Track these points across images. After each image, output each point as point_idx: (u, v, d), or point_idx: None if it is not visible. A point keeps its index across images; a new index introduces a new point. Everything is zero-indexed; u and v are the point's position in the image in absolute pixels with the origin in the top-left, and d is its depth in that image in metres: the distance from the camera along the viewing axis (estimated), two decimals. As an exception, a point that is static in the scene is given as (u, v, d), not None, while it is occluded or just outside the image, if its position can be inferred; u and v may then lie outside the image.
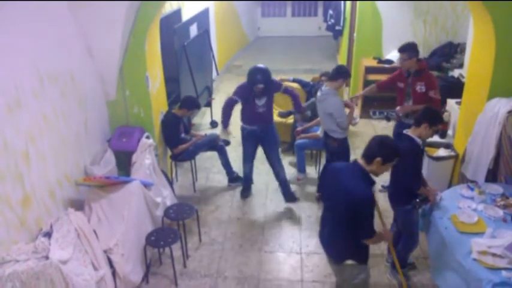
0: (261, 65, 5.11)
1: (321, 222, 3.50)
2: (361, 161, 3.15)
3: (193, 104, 5.59)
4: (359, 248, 3.30)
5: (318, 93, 4.98)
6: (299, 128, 5.96)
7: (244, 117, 5.33)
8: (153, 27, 5.04)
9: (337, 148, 5.03)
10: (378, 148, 3.10)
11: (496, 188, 4.07)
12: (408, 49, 4.89)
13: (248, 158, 5.57)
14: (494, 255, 3.23)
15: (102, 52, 4.74)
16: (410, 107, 4.98)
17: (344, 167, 3.25)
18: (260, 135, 5.33)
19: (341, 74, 4.79)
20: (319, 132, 5.69)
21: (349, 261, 3.42)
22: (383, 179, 6.01)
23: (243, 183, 5.81)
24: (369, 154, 3.11)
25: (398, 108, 5.15)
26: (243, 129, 5.40)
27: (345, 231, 3.15)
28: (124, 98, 5.16)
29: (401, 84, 5.09)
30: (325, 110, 4.85)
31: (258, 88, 5.01)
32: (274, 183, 5.92)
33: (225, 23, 10.36)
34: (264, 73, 5.02)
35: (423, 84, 4.88)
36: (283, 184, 5.49)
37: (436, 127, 3.80)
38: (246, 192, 5.78)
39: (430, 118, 3.80)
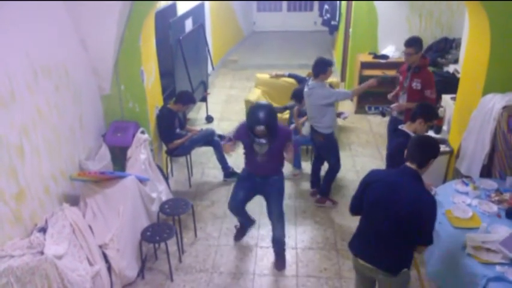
0: (264, 102, 4.25)
1: (364, 236, 3.17)
2: (412, 165, 2.96)
3: (188, 99, 5.58)
4: (412, 255, 3.10)
5: (305, 89, 4.99)
6: (292, 126, 5.99)
7: (245, 161, 4.35)
8: (148, 21, 5.01)
9: (324, 143, 5.07)
10: (429, 150, 2.97)
11: (491, 184, 4.10)
12: (415, 43, 4.87)
13: (235, 203, 4.47)
14: (488, 250, 3.25)
15: (97, 46, 4.71)
16: (405, 105, 4.98)
17: (396, 174, 3.03)
18: (259, 185, 4.33)
19: (326, 64, 4.82)
20: (303, 131, 5.71)
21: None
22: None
23: (243, 224, 4.85)
24: (422, 157, 2.95)
25: (393, 106, 5.18)
26: (243, 170, 4.49)
27: (405, 242, 2.97)
28: (119, 93, 5.13)
29: (401, 77, 5.15)
30: (314, 102, 4.86)
31: (258, 131, 3.88)
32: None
33: (220, 18, 10.32)
34: (268, 113, 3.89)
35: (419, 81, 4.88)
36: (277, 245, 4.46)
37: (431, 122, 3.84)
38: (239, 235, 4.88)
39: (425, 113, 3.83)
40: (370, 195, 3.03)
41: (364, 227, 3.16)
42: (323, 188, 5.35)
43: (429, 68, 5.19)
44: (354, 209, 3.23)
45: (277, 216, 4.34)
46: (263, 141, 3.96)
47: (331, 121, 4.97)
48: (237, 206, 4.49)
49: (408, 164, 2.97)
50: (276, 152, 4.08)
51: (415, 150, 2.96)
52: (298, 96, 5.85)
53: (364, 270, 3.19)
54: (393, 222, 2.91)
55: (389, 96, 5.35)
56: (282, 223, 4.39)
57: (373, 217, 3.05)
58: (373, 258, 3.09)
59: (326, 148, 5.14)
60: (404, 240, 2.95)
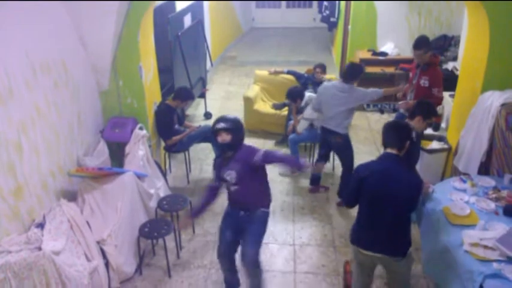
0: (230, 115, 3.78)
1: (370, 228, 3.26)
2: (393, 151, 3.19)
3: (187, 95, 5.57)
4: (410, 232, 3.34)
5: (334, 91, 4.90)
6: (291, 126, 5.98)
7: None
8: (147, 17, 5.00)
9: (341, 143, 5.06)
10: (404, 133, 3.22)
11: (488, 181, 4.10)
12: (424, 45, 4.88)
13: (223, 247, 3.87)
14: (485, 247, 3.25)
15: (95, 42, 4.69)
16: (412, 103, 4.96)
17: (383, 162, 3.23)
18: (242, 221, 3.77)
19: (361, 71, 4.92)
20: (298, 129, 5.70)
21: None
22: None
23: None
24: (401, 141, 3.20)
25: (400, 103, 5.21)
26: (226, 206, 4.00)
27: (406, 222, 3.24)
28: (117, 89, 5.12)
29: (411, 74, 5.18)
30: (346, 105, 4.84)
31: (219, 131, 3.59)
32: (268, 175, 5.93)
33: (219, 14, 10.30)
34: (235, 120, 3.68)
35: (427, 79, 4.90)
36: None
37: (429, 120, 3.84)
38: None
39: (424, 111, 3.84)
40: (369, 188, 3.18)
41: (367, 219, 3.29)
42: (341, 189, 5.32)
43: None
44: (351, 203, 3.43)
45: (249, 263, 3.68)
46: (230, 171, 3.62)
47: (350, 121, 5.04)
48: (226, 252, 3.86)
49: (389, 150, 3.21)
50: (246, 177, 3.61)
51: (392, 136, 3.21)
52: (292, 95, 5.86)
53: (370, 261, 3.36)
54: (395, 207, 3.13)
55: (399, 94, 5.37)
56: (257, 277, 3.78)
57: (376, 208, 3.20)
58: (382, 246, 3.25)
59: (344, 148, 5.14)
60: (406, 221, 3.23)
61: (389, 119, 5.38)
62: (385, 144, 3.24)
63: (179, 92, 5.55)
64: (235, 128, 3.61)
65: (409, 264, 3.39)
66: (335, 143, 5.10)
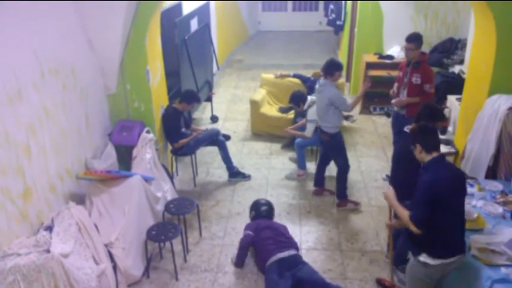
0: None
1: (455, 235, 3.17)
2: (438, 153, 3.16)
3: (193, 98, 5.59)
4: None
5: (316, 86, 5.03)
6: (289, 128, 5.99)
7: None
8: (154, 21, 5.03)
9: (330, 142, 5.08)
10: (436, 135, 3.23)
11: (496, 185, 4.09)
12: (416, 39, 5.01)
13: None
14: (493, 251, 3.25)
15: (103, 46, 4.73)
16: (405, 100, 5.13)
17: (448, 167, 3.21)
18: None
19: (335, 67, 4.85)
20: (306, 133, 5.71)
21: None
22: (382, 169, 6.07)
23: None
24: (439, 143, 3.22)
25: (393, 101, 5.28)
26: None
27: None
28: (125, 92, 5.15)
29: (401, 73, 5.23)
30: (324, 100, 4.87)
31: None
32: (274, 179, 5.96)
33: (225, 17, 10.33)
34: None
35: (419, 76, 5.00)
36: None
37: (437, 125, 3.76)
38: None
39: (429, 116, 3.76)
40: (445, 194, 3.05)
41: (451, 224, 3.13)
42: (338, 191, 5.33)
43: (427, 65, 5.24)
44: (425, 221, 3.11)
45: None
46: None
47: (337, 121, 4.98)
48: None
49: (435, 154, 3.13)
50: None
51: (436, 139, 3.16)
52: (295, 100, 5.87)
53: (448, 269, 3.21)
54: (463, 203, 3.18)
55: (391, 91, 5.45)
56: None
57: (456, 209, 3.14)
58: (463, 245, 3.18)
59: (332, 148, 5.15)
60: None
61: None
62: (431, 149, 3.12)
63: (185, 95, 5.58)
64: None
65: None
66: (325, 141, 5.14)
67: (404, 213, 3.19)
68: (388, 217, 3.89)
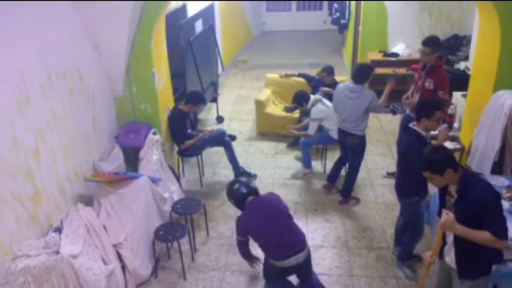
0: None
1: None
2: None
3: (198, 99, 5.63)
4: None
5: (346, 92, 4.94)
6: (293, 127, 6.02)
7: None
8: (159, 24, 5.07)
9: (357, 145, 5.10)
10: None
11: (502, 181, 4.09)
12: (432, 43, 4.88)
13: None
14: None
15: (109, 49, 4.78)
16: (415, 102, 5.00)
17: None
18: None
19: (371, 70, 4.93)
20: (308, 131, 5.72)
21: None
22: (388, 166, 6.07)
23: None
24: None
25: (405, 102, 5.24)
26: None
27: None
28: (131, 95, 5.20)
29: (416, 75, 5.19)
30: (363, 104, 4.85)
31: None
32: (280, 178, 5.98)
33: (230, 18, 10.37)
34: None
35: (432, 81, 4.88)
36: None
37: (435, 116, 3.70)
38: None
39: (425, 110, 3.72)
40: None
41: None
42: (345, 189, 5.36)
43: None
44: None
45: None
46: None
47: (367, 124, 5.05)
48: None
49: (460, 168, 2.91)
50: None
51: (452, 154, 2.94)
52: (298, 100, 5.88)
53: None
54: None
55: (403, 97, 5.36)
56: None
57: None
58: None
59: (358, 149, 5.17)
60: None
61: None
62: (457, 165, 2.87)
63: (191, 96, 5.61)
64: None
65: None
66: (352, 144, 5.12)
67: (485, 235, 2.76)
68: (433, 252, 3.17)
